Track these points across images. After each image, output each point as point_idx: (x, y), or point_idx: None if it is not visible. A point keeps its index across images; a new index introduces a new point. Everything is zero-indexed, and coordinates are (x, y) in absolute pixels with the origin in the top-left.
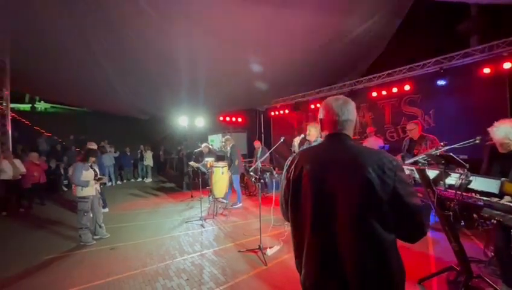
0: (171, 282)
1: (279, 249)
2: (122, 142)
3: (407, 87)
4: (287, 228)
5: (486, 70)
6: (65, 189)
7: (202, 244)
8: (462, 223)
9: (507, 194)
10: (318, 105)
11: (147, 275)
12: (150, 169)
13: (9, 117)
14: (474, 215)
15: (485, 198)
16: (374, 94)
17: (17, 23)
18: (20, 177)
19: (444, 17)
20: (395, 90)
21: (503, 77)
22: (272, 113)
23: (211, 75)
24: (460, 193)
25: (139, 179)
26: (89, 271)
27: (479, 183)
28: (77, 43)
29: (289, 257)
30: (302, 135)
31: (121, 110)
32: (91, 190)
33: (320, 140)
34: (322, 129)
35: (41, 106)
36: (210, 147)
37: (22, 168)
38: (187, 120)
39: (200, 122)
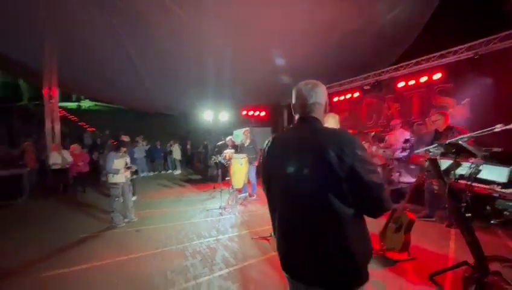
0: (185, 261)
1: None
2: (154, 137)
3: (437, 76)
4: None
5: None
6: (104, 178)
7: (218, 231)
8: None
9: None
10: (342, 98)
11: (165, 254)
12: (178, 162)
13: (58, 114)
14: (488, 208)
15: (501, 189)
16: (401, 84)
17: (62, 32)
18: (67, 166)
19: None
20: (423, 79)
21: None
22: None
23: (235, 70)
24: (470, 183)
25: (169, 171)
26: (116, 249)
27: (488, 172)
28: (114, 48)
29: None
30: None
31: (152, 108)
32: (121, 177)
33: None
34: (293, 113)
35: (85, 104)
36: (233, 140)
37: (69, 158)
38: (212, 115)
39: (224, 116)
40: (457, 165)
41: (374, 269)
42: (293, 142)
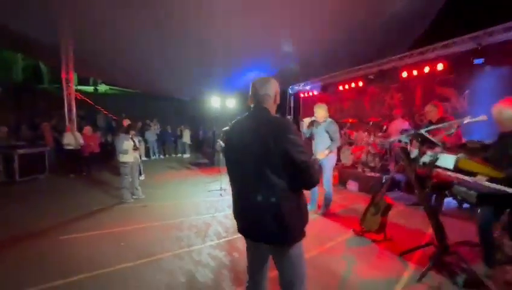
0: (182, 233)
1: None
2: (166, 121)
3: (440, 66)
4: None
5: None
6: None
7: (216, 209)
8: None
9: (461, 170)
10: (346, 86)
11: (165, 226)
12: (188, 146)
13: (74, 97)
14: (446, 193)
15: (459, 175)
16: (404, 74)
17: (82, 15)
18: (80, 147)
19: None
20: (426, 69)
21: None
22: (302, 95)
23: (243, 56)
24: (429, 169)
25: (179, 155)
26: (123, 220)
27: (443, 160)
28: (131, 34)
29: None
30: (313, 117)
31: (166, 92)
32: (130, 157)
33: (329, 120)
34: (249, 103)
35: (102, 88)
36: None
37: (81, 140)
38: (219, 101)
39: (231, 103)
40: (422, 153)
41: (350, 247)
42: (245, 127)
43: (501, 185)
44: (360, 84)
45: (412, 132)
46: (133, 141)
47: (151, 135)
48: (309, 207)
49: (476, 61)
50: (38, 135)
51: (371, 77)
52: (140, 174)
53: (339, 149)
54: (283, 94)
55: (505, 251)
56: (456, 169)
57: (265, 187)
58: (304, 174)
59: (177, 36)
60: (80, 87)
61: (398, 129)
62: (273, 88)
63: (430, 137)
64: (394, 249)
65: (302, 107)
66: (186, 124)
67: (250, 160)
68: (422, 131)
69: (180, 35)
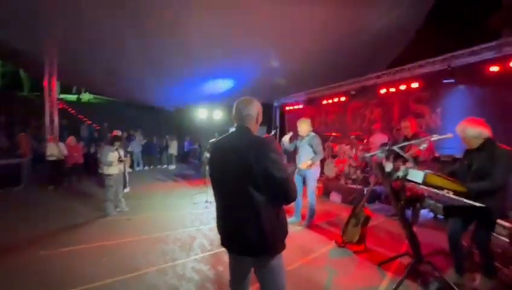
0: (167, 247)
1: None
2: (151, 132)
3: (415, 85)
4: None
5: (494, 69)
6: (101, 171)
7: (201, 222)
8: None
9: (430, 185)
10: (330, 101)
11: (150, 240)
12: (174, 157)
13: (57, 108)
14: (418, 205)
15: (429, 189)
16: (383, 91)
17: (64, 23)
18: (63, 157)
19: (473, 9)
20: (403, 87)
21: (511, 76)
22: (287, 108)
23: (229, 69)
24: (401, 183)
25: (165, 166)
26: (106, 234)
27: (411, 174)
28: (114, 41)
29: None
30: (291, 133)
31: (150, 102)
32: (115, 169)
33: (312, 134)
34: (233, 122)
35: (86, 96)
36: None
37: (65, 151)
38: (206, 113)
39: (218, 115)
40: (396, 168)
41: (332, 258)
42: (228, 145)
43: (465, 198)
44: (343, 99)
45: (386, 148)
46: (118, 153)
47: (136, 145)
48: (293, 219)
49: (446, 80)
50: (16, 144)
51: (353, 92)
52: (125, 186)
53: (323, 161)
54: (269, 107)
55: (474, 259)
56: (425, 183)
57: (247, 202)
58: (283, 190)
59: (161, 46)
60: (62, 96)
61: (378, 143)
62: (255, 108)
63: (401, 153)
64: (373, 260)
65: (287, 120)
66: (173, 134)
67: (233, 177)
68: (395, 147)
69: (164, 45)
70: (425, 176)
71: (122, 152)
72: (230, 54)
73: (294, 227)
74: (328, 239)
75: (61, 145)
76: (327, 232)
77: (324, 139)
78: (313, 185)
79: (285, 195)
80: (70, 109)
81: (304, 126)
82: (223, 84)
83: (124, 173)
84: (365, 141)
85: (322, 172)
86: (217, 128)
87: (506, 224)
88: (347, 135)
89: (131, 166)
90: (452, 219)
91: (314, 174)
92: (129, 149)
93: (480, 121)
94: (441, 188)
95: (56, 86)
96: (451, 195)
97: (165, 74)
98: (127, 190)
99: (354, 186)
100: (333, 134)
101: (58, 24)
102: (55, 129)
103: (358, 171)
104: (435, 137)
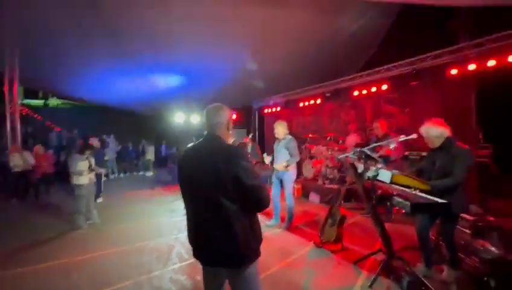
0: (142, 258)
1: None
2: (126, 137)
3: (384, 87)
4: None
5: (454, 72)
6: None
7: (179, 230)
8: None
9: (397, 184)
10: (307, 103)
11: (124, 252)
12: (151, 163)
13: (18, 114)
14: (388, 203)
15: (398, 187)
16: (356, 93)
17: (24, 25)
18: (31, 168)
19: (434, 14)
20: (374, 89)
21: (469, 79)
22: (266, 111)
23: (206, 72)
24: (372, 183)
25: (141, 172)
26: (76, 248)
27: (380, 175)
28: (82, 44)
29: None
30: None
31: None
32: (85, 179)
33: (289, 137)
34: (204, 130)
35: (53, 102)
36: None
37: (31, 160)
38: (183, 117)
39: (196, 119)
40: (367, 169)
41: (311, 259)
42: (197, 154)
43: (430, 195)
44: (319, 101)
45: (358, 149)
46: (89, 161)
47: (111, 152)
48: (273, 222)
49: (413, 83)
50: None
51: (328, 94)
52: (98, 196)
53: (301, 163)
54: (248, 110)
55: (441, 252)
56: (392, 183)
57: (219, 212)
58: (255, 197)
59: (131, 46)
60: (27, 101)
61: (353, 143)
62: (225, 115)
63: (371, 154)
64: (350, 258)
65: (266, 123)
66: (149, 139)
67: (203, 186)
68: (365, 149)
69: (135, 46)
70: (392, 176)
71: (93, 160)
72: (206, 56)
73: (274, 230)
74: (306, 240)
75: (27, 154)
76: (306, 234)
77: (302, 141)
78: (289, 187)
79: (257, 203)
80: (36, 115)
81: (281, 129)
82: (199, 87)
83: (97, 182)
84: (341, 141)
85: (300, 173)
86: (195, 132)
87: (468, 217)
88: (323, 136)
89: (106, 174)
90: (420, 215)
91: (290, 176)
92: (106, 157)
93: (441, 122)
94: (409, 187)
95: (19, 90)
96: (417, 193)
97: (135, 75)
98: (100, 200)
99: (331, 186)
100: (310, 135)
101: (16, 23)
102: (17, 138)
103: (335, 171)
104: (401, 138)
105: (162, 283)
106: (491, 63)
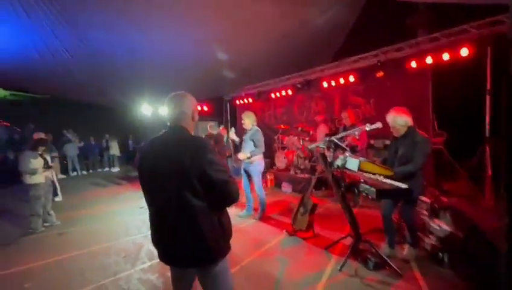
0: (108, 259)
1: None
2: (87, 131)
3: (351, 78)
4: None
5: (413, 64)
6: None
7: (149, 227)
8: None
9: (364, 171)
10: (278, 94)
11: (86, 255)
12: (117, 158)
13: None
14: (355, 190)
15: (364, 174)
16: (325, 84)
17: None
18: None
19: (395, 10)
20: (342, 80)
21: (426, 71)
22: (237, 102)
23: (175, 63)
24: (341, 171)
25: (106, 169)
26: (33, 255)
27: (349, 163)
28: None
29: None
30: (233, 129)
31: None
32: (40, 178)
33: (255, 129)
34: (167, 121)
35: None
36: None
37: None
38: (150, 109)
39: (164, 110)
40: (335, 157)
41: (284, 248)
42: (160, 148)
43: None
44: (290, 92)
45: (327, 139)
46: (44, 159)
47: (72, 148)
48: (245, 213)
49: (377, 74)
50: None
51: (299, 85)
52: (56, 195)
53: (274, 154)
54: (220, 100)
55: (403, 233)
56: (360, 170)
57: (184, 209)
58: (223, 192)
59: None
60: None
61: (322, 133)
62: (190, 105)
63: (339, 143)
64: (321, 244)
65: (238, 113)
66: (113, 133)
67: (166, 183)
68: (334, 138)
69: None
70: (359, 164)
71: (49, 157)
72: (177, 48)
73: (247, 221)
74: (279, 230)
75: None
76: (279, 223)
77: (274, 132)
78: (257, 178)
79: (226, 198)
80: None
81: (247, 120)
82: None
83: (53, 180)
84: (311, 132)
85: (273, 164)
86: (164, 125)
87: (426, 200)
88: (294, 127)
89: (66, 171)
90: (384, 200)
91: (256, 167)
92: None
93: (405, 110)
94: (374, 174)
95: None
96: (382, 179)
97: (98, 63)
98: (58, 198)
99: (302, 175)
100: (282, 126)
101: None
102: None
103: (306, 161)
104: (367, 127)
105: (130, 284)
106: (445, 56)
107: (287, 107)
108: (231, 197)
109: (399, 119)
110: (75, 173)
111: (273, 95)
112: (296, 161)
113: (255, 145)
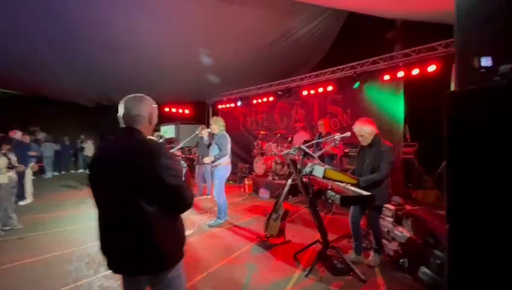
0: (69, 266)
1: (190, 234)
2: (61, 131)
3: (330, 88)
4: (208, 214)
5: (387, 77)
6: None
7: None
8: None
9: (329, 179)
10: (259, 100)
11: (47, 261)
12: None
13: None
14: (323, 197)
15: (330, 182)
16: (305, 92)
17: None
18: None
19: (375, 25)
20: (321, 90)
21: (399, 84)
22: (220, 106)
23: (157, 65)
24: (309, 178)
25: (80, 170)
26: None
27: (315, 170)
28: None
29: (194, 241)
30: (208, 130)
31: (60, 96)
32: (3, 178)
33: (221, 134)
34: (120, 123)
35: None
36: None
37: None
38: None
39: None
40: (304, 164)
41: (254, 254)
42: (112, 151)
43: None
44: (271, 99)
45: (296, 146)
46: (7, 158)
47: (49, 149)
48: (219, 221)
49: (354, 85)
50: None
51: (280, 93)
52: (23, 198)
53: (253, 159)
54: (202, 104)
55: (370, 239)
56: (325, 178)
57: (136, 215)
58: (177, 198)
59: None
60: None
61: (300, 140)
62: (147, 107)
63: (308, 151)
64: (291, 250)
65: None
66: (88, 134)
67: (117, 188)
68: (303, 146)
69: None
70: (324, 171)
71: (13, 157)
72: (159, 50)
73: (219, 227)
74: (253, 236)
75: None
76: (252, 229)
77: (254, 137)
78: (218, 182)
79: (179, 203)
80: None
81: (214, 125)
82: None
83: (19, 182)
84: (289, 139)
85: (252, 169)
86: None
87: (391, 207)
88: (273, 133)
89: (42, 172)
90: (353, 207)
91: (220, 172)
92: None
93: (370, 120)
94: (340, 181)
95: None
96: (348, 187)
97: (77, 61)
98: (24, 202)
99: (280, 181)
100: (262, 132)
101: None
102: None
103: (285, 167)
104: (336, 136)
105: None
106: (415, 71)
107: (268, 113)
108: (184, 203)
109: (366, 128)
110: (50, 174)
111: (254, 101)
112: (274, 167)
113: (219, 149)
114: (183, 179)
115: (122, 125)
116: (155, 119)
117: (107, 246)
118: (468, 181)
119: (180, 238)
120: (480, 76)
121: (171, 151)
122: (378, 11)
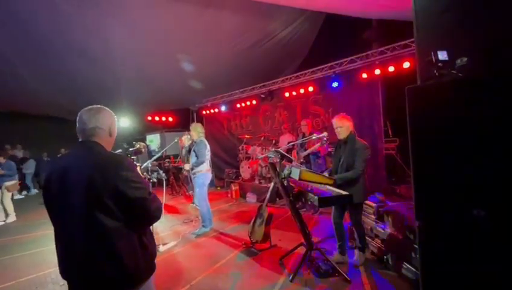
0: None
1: (174, 245)
2: (39, 146)
3: (311, 89)
4: (194, 223)
5: (364, 76)
6: None
7: None
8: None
9: (305, 180)
10: (243, 104)
11: (20, 285)
12: None
13: None
14: (303, 199)
15: (312, 184)
16: (287, 94)
17: None
18: None
19: (354, 24)
20: (302, 91)
21: (376, 82)
22: (204, 112)
23: (138, 73)
24: (287, 180)
25: None
26: None
27: (293, 172)
28: None
29: (179, 252)
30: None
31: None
32: None
33: (199, 140)
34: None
35: None
36: (147, 146)
37: None
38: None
39: (125, 122)
40: (283, 167)
41: (239, 261)
42: (68, 166)
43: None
44: (254, 102)
45: (273, 149)
46: None
47: (32, 165)
48: (205, 229)
49: (333, 84)
50: None
51: (263, 96)
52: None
53: (239, 164)
54: (186, 111)
55: (354, 238)
56: (300, 179)
57: (97, 232)
58: (141, 211)
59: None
60: None
61: (286, 142)
62: (106, 120)
63: (285, 154)
64: (277, 255)
65: (205, 125)
66: (69, 148)
67: (75, 204)
68: (280, 149)
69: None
70: (300, 173)
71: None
72: (140, 58)
73: (205, 236)
74: (238, 243)
75: None
76: (239, 235)
77: (239, 141)
78: (198, 190)
79: (144, 216)
80: None
81: (193, 132)
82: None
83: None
84: (274, 141)
85: (238, 174)
86: (125, 138)
87: (372, 204)
88: (258, 136)
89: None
90: (334, 207)
91: (200, 179)
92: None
93: (347, 116)
94: (318, 183)
95: None
96: (327, 187)
97: (58, 80)
98: (10, 219)
99: (267, 185)
100: (246, 136)
101: None
102: None
103: (264, 170)
104: (314, 136)
105: None
106: (391, 68)
107: (252, 116)
108: (150, 215)
109: (342, 121)
110: (25, 193)
111: (238, 105)
112: (260, 171)
113: (196, 156)
114: (149, 191)
115: (80, 139)
116: (115, 131)
117: (67, 268)
118: (433, 175)
119: (150, 253)
120: (438, 70)
121: (152, 162)
122: (343, 11)
